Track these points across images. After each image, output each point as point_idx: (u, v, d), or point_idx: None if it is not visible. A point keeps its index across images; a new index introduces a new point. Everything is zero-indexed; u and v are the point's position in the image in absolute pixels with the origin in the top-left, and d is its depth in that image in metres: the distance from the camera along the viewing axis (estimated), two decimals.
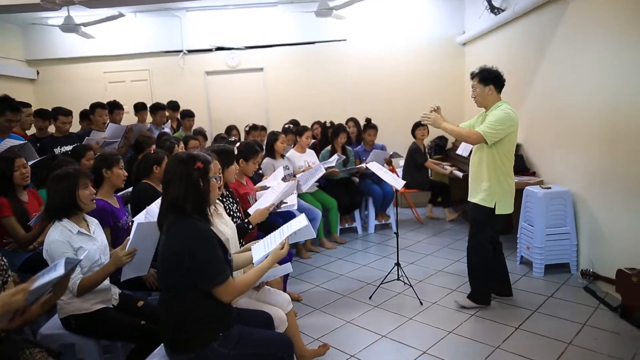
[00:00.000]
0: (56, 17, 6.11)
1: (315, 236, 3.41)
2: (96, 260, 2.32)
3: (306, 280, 4.10)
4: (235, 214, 2.86)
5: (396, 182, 3.47)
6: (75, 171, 2.35)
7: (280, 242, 2.13)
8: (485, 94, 3.16)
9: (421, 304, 3.46)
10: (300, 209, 4.67)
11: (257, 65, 6.76)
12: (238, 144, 3.42)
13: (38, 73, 6.81)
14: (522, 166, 4.68)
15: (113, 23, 6.28)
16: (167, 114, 6.22)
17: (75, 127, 5.25)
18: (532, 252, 3.92)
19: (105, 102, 5.77)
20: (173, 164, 1.94)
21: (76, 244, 2.24)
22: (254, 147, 3.37)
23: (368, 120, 5.74)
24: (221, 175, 2.08)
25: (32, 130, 4.70)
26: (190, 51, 6.69)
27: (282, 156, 4.80)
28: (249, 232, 2.79)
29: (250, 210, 3.01)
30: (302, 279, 4.12)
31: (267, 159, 4.68)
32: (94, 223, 2.44)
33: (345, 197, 5.19)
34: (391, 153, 5.41)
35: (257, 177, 4.40)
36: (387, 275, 3.76)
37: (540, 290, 3.59)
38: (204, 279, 1.82)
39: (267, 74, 6.78)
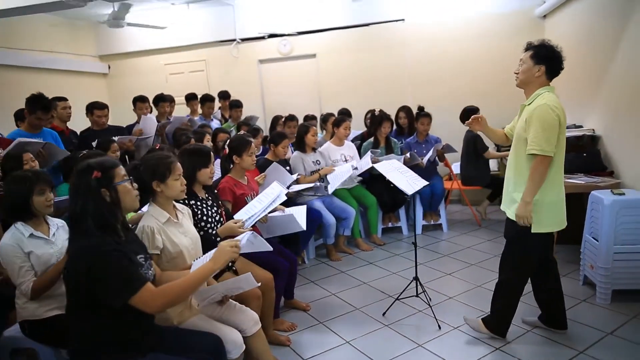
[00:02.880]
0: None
1: (303, 229, 3.10)
2: (52, 264, 2.24)
3: (323, 286, 3.76)
4: (211, 220, 2.61)
5: (409, 185, 2.94)
6: (34, 175, 2.27)
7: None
8: (532, 73, 2.49)
9: (439, 327, 2.95)
10: (334, 208, 4.34)
11: (310, 52, 6.45)
12: (228, 141, 3.17)
13: (109, 67, 7.23)
14: (597, 164, 3.81)
15: (169, 15, 6.43)
16: (219, 104, 6.22)
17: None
18: (596, 273, 3.15)
19: (166, 93, 5.94)
20: (73, 176, 1.74)
21: (27, 248, 2.17)
22: (244, 139, 3.10)
23: (421, 108, 5.14)
24: (130, 178, 1.83)
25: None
26: (243, 40, 6.60)
27: (314, 150, 4.47)
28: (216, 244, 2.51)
29: (237, 216, 2.74)
30: (320, 285, 3.79)
31: (296, 153, 4.38)
32: (55, 226, 2.36)
33: (386, 193, 4.70)
34: (443, 145, 4.78)
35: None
36: (403, 291, 3.27)
37: (599, 323, 2.86)
38: (111, 295, 1.63)
39: (319, 60, 6.45)
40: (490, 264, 3.92)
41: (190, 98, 5.94)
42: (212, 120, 5.67)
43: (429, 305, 3.09)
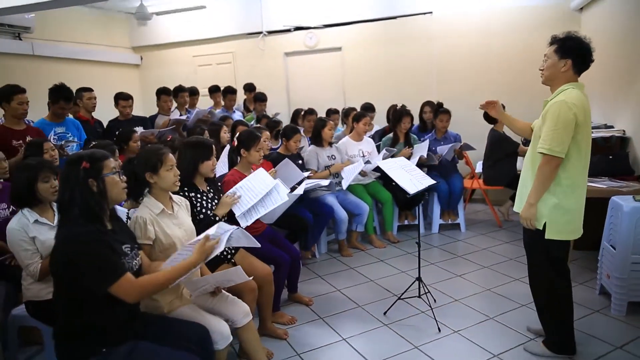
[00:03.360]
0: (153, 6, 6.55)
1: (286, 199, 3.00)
2: None
3: (330, 281, 3.76)
4: (211, 212, 2.65)
5: (412, 184, 2.88)
6: (39, 164, 2.38)
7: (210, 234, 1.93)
8: (558, 68, 2.31)
9: (439, 330, 2.89)
10: (347, 204, 4.32)
11: (335, 45, 6.40)
12: (237, 134, 3.20)
13: (142, 59, 7.45)
14: (624, 167, 3.60)
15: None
16: (245, 96, 6.29)
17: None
18: (612, 282, 2.99)
19: (195, 85, 6.08)
20: (63, 166, 1.81)
21: (31, 232, 2.28)
22: (253, 133, 3.12)
23: (440, 105, 5.01)
24: (118, 170, 1.88)
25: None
26: (269, 32, 6.62)
27: (330, 144, 4.45)
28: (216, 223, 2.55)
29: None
30: (327, 280, 3.79)
31: (312, 147, 4.38)
32: None
33: (401, 190, 4.61)
34: (461, 145, 4.63)
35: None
36: (405, 291, 3.22)
37: (609, 336, 2.71)
38: (94, 282, 1.70)
39: (345, 53, 6.39)
40: (503, 268, 3.79)
41: (213, 90, 6.05)
42: (234, 112, 5.74)
43: (430, 307, 3.03)
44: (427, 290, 3.17)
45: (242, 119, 5.81)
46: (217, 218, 2.57)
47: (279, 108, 6.54)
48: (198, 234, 2.36)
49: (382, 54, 6.19)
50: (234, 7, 6.71)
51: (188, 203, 2.49)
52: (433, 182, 3.05)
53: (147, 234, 2.13)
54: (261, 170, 2.75)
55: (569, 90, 2.30)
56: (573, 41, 2.31)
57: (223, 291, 2.41)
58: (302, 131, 5.12)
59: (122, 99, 4.75)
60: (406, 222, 4.94)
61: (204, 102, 6.29)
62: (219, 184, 3.01)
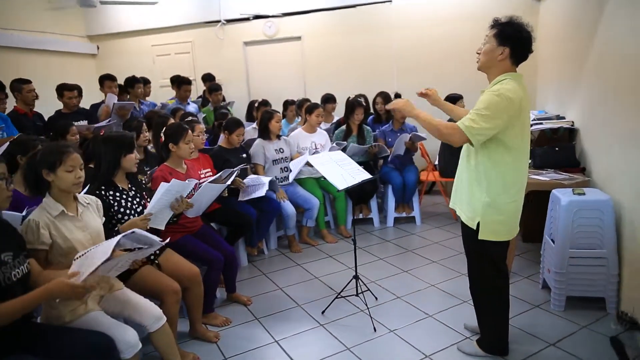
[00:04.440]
0: None
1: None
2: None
3: (274, 279, 3.65)
4: (131, 212, 2.50)
5: (343, 179, 2.76)
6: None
7: None
8: (495, 55, 2.16)
9: (374, 330, 2.80)
10: (296, 198, 4.21)
11: (295, 34, 6.25)
12: (164, 129, 3.04)
13: (98, 48, 7.18)
14: (570, 159, 3.54)
15: None
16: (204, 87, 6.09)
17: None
18: (551, 277, 2.94)
19: (152, 74, 5.85)
20: None
21: None
22: (180, 126, 2.97)
23: (397, 95, 4.91)
24: (7, 177, 1.74)
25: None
26: (228, 21, 6.42)
27: (279, 137, 4.31)
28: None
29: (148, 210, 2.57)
30: (270, 278, 3.68)
31: (258, 141, 4.23)
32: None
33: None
34: (409, 136, 4.52)
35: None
36: (343, 289, 3.13)
37: (545, 332, 2.66)
38: None
39: (304, 43, 6.25)
40: (452, 262, 3.73)
41: (174, 81, 5.83)
42: (188, 104, 5.56)
43: (366, 305, 2.94)
44: (366, 289, 3.08)
45: (198, 110, 5.65)
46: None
47: (238, 99, 6.38)
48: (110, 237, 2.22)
49: (342, 44, 6.06)
50: None
51: (100, 203, 2.33)
52: (368, 176, 2.95)
53: (41, 238, 1.97)
54: (173, 182, 2.51)
55: (506, 80, 2.16)
56: (513, 27, 2.16)
57: (133, 295, 2.28)
58: (256, 123, 5.00)
59: (66, 89, 4.54)
60: (361, 216, 4.84)
61: (167, 93, 6.09)
62: (146, 181, 2.87)
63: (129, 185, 2.61)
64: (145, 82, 5.57)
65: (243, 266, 3.91)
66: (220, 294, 3.35)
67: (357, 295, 3.07)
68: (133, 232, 1.91)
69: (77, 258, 1.83)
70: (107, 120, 4.32)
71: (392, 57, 5.87)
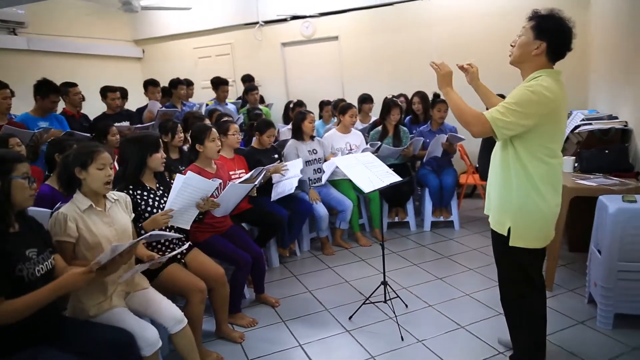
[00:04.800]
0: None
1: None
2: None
3: (303, 281, 3.60)
4: (158, 211, 2.52)
5: (369, 182, 2.66)
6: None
7: None
8: (529, 49, 1.97)
9: (402, 339, 2.69)
10: (330, 200, 4.15)
11: (332, 34, 6.20)
12: (190, 130, 3.07)
13: (144, 52, 7.43)
14: (622, 163, 3.27)
15: None
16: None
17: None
18: (598, 291, 2.71)
19: (193, 77, 5.99)
20: None
21: None
22: (203, 125, 2.99)
23: (436, 95, 4.74)
24: (29, 176, 1.78)
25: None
26: (266, 22, 6.46)
27: (312, 138, 4.27)
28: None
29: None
30: (300, 280, 3.64)
31: (291, 141, 4.21)
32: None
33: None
34: (447, 137, 4.34)
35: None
36: (370, 295, 3.03)
37: (589, 353, 2.43)
38: None
39: (342, 42, 6.19)
40: (490, 271, 3.51)
41: (213, 82, 5.92)
42: (226, 104, 5.63)
43: (394, 313, 2.83)
44: (393, 296, 2.98)
45: (236, 111, 5.71)
46: (143, 232, 2.40)
47: (277, 100, 6.41)
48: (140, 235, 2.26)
49: (380, 43, 5.95)
50: None
51: (129, 200, 2.37)
52: (397, 179, 2.83)
53: (67, 230, 2.02)
54: (190, 175, 2.51)
55: (542, 77, 1.97)
56: (553, 21, 1.97)
57: (157, 295, 2.30)
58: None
59: (109, 91, 4.71)
60: (397, 219, 4.71)
61: (209, 95, 6.20)
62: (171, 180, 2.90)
63: (157, 185, 2.64)
64: (188, 83, 5.69)
65: (274, 267, 3.90)
66: (250, 294, 3.35)
67: (385, 302, 2.96)
68: (150, 235, 1.92)
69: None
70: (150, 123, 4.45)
71: (430, 55, 5.64)
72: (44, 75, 4.22)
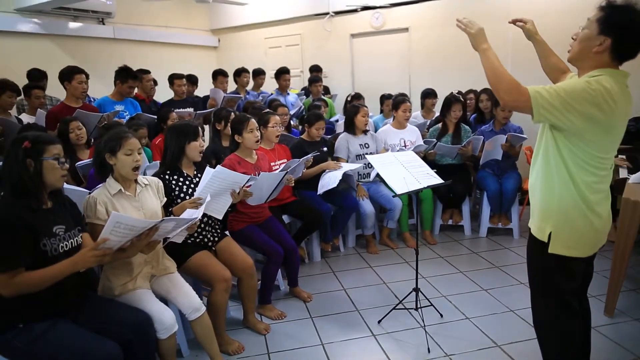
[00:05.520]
0: None
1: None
2: None
3: (340, 278, 3.54)
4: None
5: (403, 183, 2.50)
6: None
7: None
8: (591, 44, 1.70)
9: (428, 351, 2.54)
10: (379, 197, 4.04)
11: (402, 25, 5.97)
12: (230, 121, 3.10)
13: (219, 41, 7.72)
14: None
15: None
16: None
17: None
18: None
19: (264, 67, 6.12)
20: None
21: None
22: (241, 116, 3.01)
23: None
24: (60, 158, 1.89)
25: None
26: (336, 13, 6.39)
27: (365, 132, 4.15)
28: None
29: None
30: (338, 277, 3.58)
31: (342, 134, 4.13)
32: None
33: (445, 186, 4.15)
34: (506, 137, 3.98)
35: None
36: (401, 301, 2.89)
37: None
38: None
39: (412, 34, 5.93)
40: None
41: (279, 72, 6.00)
42: (287, 94, 5.67)
43: (424, 323, 2.67)
44: (426, 304, 2.81)
45: (297, 101, 5.72)
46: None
47: (342, 91, 6.34)
48: None
49: (451, 36, 5.54)
50: None
51: (161, 184, 2.46)
52: (438, 181, 2.65)
53: (97, 214, 2.13)
54: (219, 169, 2.53)
55: (602, 77, 1.67)
56: (626, 14, 1.65)
57: (179, 281, 2.37)
58: None
59: (176, 78, 4.96)
60: (450, 222, 4.46)
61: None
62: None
63: (195, 172, 2.71)
64: (259, 72, 5.82)
65: (315, 261, 3.89)
66: (285, 286, 3.36)
67: (416, 309, 2.81)
68: (162, 220, 1.96)
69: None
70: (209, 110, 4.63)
71: (506, 50, 5.26)
72: (127, 62, 4.54)
